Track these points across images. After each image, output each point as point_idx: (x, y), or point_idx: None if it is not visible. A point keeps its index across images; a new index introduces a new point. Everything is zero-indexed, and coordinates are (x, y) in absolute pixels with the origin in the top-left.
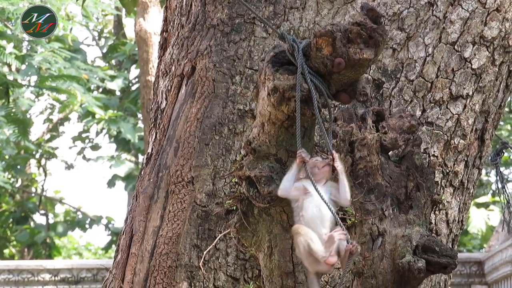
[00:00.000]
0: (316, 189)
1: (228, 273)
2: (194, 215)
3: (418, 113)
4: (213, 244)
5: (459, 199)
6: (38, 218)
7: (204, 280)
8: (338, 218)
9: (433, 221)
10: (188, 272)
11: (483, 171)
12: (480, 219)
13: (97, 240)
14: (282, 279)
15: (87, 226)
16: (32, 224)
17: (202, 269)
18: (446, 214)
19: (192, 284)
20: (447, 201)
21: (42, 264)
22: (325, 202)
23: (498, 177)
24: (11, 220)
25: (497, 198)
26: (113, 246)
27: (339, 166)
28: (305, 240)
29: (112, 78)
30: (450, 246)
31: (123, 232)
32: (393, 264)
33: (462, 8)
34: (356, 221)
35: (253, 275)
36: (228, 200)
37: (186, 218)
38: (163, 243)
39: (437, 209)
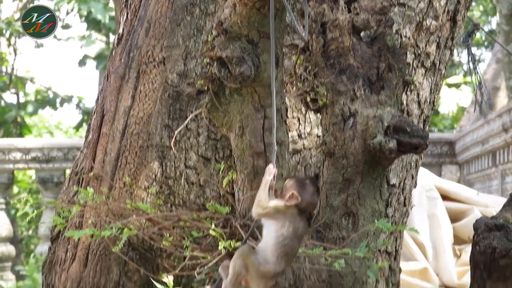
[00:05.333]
0: None
1: (199, 153)
2: (166, 95)
3: None
4: (184, 124)
5: (431, 80)
6: (9, 97)
7: (175, 160)
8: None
9: (404, 102)
10: (159, 152)
11: (455, 52)
12: (451, 99)
13: (68, 119)
14: (253, 159)
15: (58, 105)
16: (2, 102)
17: (173, 149)
18: (418, 94)
19: (163, 164)
20: (418, 82)
21: (13, 143)
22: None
23: (469, 58)
24: None
25: (468, 79)
26: (84, 125)
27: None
28: None
29: None
30: (422, 127)
31: (94, 112)
32: (364, 144)
33: None
34: (327, 101)
35: (224, 155)
36: (199, 80)
37: (158, 98)
38: (134, 123)
39: (408, 89)
